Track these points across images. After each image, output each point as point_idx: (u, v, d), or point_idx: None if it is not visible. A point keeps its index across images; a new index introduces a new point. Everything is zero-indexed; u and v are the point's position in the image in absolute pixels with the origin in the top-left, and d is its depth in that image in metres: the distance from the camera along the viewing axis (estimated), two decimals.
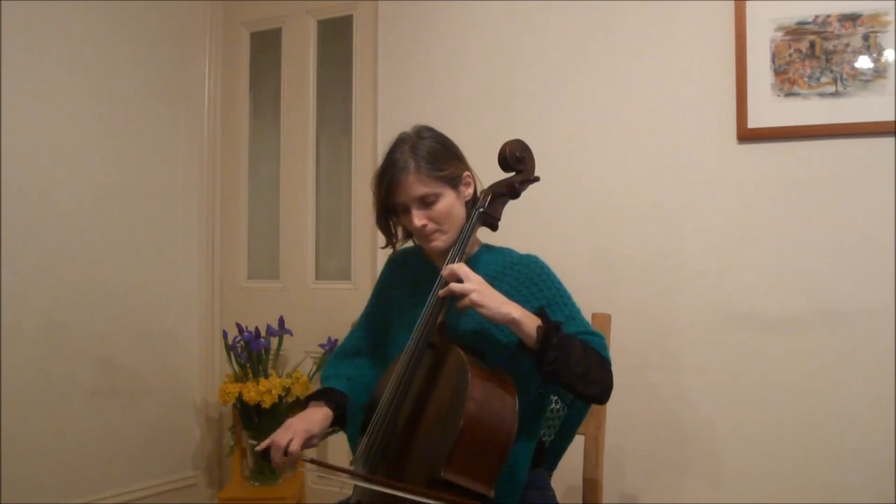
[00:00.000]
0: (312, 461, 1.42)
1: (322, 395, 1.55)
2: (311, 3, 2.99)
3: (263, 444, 1.42)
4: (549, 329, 1.34)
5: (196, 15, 3.10)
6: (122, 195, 2.81)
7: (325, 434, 1.51)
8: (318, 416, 1.49)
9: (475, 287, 1.35)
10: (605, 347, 1.44)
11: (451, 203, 1.49)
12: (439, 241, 1.48)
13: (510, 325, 1.35)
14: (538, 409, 1.50)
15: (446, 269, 1.40)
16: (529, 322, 1.34)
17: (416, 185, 1.45)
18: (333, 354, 1.72)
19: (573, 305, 1.48)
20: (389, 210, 1.53)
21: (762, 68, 2.13)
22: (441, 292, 1.38)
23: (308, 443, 1.44)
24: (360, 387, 1.58)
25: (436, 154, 1.48)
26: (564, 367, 1.34)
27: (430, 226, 1.47)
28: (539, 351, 1.33)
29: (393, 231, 1.60)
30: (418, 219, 1.46)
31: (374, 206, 1.55)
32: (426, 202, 1.46)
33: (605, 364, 1.41)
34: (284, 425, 1.45)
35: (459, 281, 1.36)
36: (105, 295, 2.74)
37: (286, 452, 1.39)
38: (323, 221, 3.04)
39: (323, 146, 3.03)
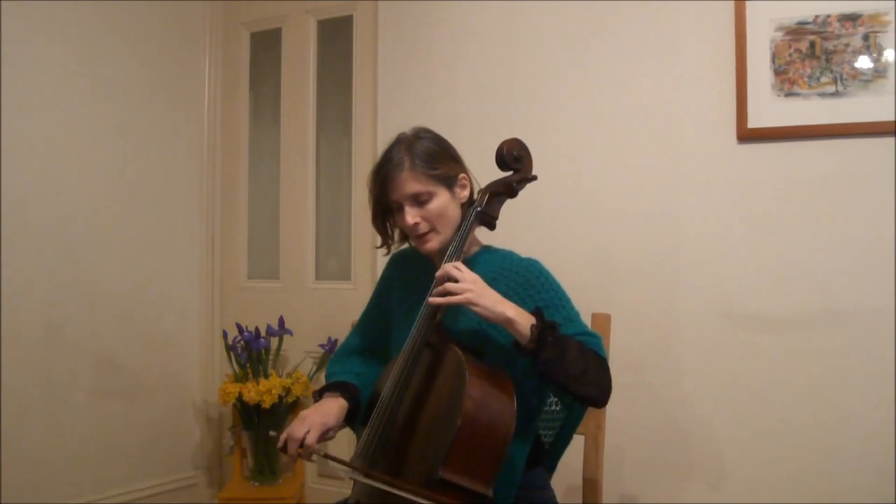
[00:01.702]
0: (326, 456, 1.41)
1: (336, 387, 1.54)
2: (311, 3, 2.99)
3: (282, 439, 1.42)
4: (545, 328, 1.32)
5: (196, 15, 3.10)
6: (122, 195, 2.81)
7: (340, 426, 1.50)
8: (333, 407, 1.48)
9: (469, 286, 1.34)
10: (601, 348, 1.42)
11: (445, 203, 1.48)
12: (433, 242, 1.48)
13: (505, 324, 1.34)
14: (535, 409, 1.50)
15: (440, 270, 1.39)
16: (524, 321, 1.33)
17: (410, 183, 1.45)
18: (336, 353, 1.72)
19: (571, 308, 1.47)
20: (385, 209, 1.53)
21: (762, 68, 2.13)
22: (435, 292, 1.37)
23: (325, 435, 1.44)
24: (366, 383, 1.58)
25: (431, 153, 1.48)
26: (559, 368, 1.32)
27: (423, 225, 1.47)
28: (534, 350, 1.32)
29: (389, 232, 1.60)
30: (411, 217, 1.46)
31: (370, 204, 1.56)
32: (419, 200, 1.46)
33: (603, 366, 1.39)
34: (299, 417, 1.44)
35: (455, 280, 1.36)
36: (105, 295, 2.74)
37: (302, 444, 1.39)
38: (323, 221, 3.04)
39: (323, 146, 3.03)
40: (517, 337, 1.34)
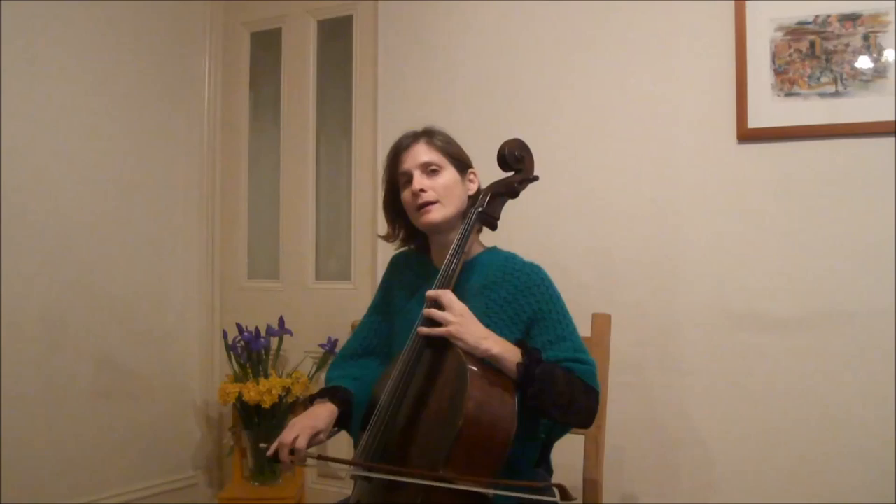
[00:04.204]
0: (320, 457, 1.42)
1: (326, 393, 1.55)
2: (311, 3, 2.99)
3: (272, 448, 1.42)
4: (531, 363, 1.34)
5: (196, 15, 3.10)
6: (122, 195, 2.81)
7: (331, 432, 1.51)
8: (322, 412, 1.49)
9: (454, 319, 1.35)
10: (592, 375, 1.42)
11: (454, 180, 1.52)
12: (435, 213, 1.49)
13: (490, 360, 1.35)
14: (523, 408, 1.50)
15: (430, 292, 1.39)
16: (510, 357, 1.35)
17: (424, 152, 1.51)
18: (337, 357, 1.72)
19: (567, 324, 1.47)
20: (396, 189, 1.55)
21: (762, 68, 2.13)
22: (424, 315, 1.38)
23: (314, 439, 1.44)
24: (366, 385, 1.58)
25: (447, 137, 1.57)
26: (547, 400, 1.35)
27: (430, 193, 1.49)
28: (521, 385, 1.34)
29: (396, 229, 1.61)
30: (418, 183, 1.48)
31: (383, 184, 1.59)
32: (430, 169, 1.50)
33: (589, 392, 1.40)
34: (289, 424, 1.45)
35: (441, 308, 1.37)
36: (105, 295, 2.74)
37: (292, 451, 1.39)
38: (323, 221, 3.04)
39: (323, 146, 3.03)
40: (504, 371, 1.36)
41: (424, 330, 1.38)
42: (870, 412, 2.00)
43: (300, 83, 3.02)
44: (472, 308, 1.42)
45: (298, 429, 1.42)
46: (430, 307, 1.39)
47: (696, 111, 2.23)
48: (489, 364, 1.37)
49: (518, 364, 1.35)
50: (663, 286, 2.27)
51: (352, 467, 1.44)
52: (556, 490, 1.23)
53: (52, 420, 2.55)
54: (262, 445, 1.51)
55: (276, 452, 1.40)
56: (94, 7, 2.71)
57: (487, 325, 1.42)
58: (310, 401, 1.56)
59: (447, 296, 1.38)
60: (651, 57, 2.30)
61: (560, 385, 1.36)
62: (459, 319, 1.36)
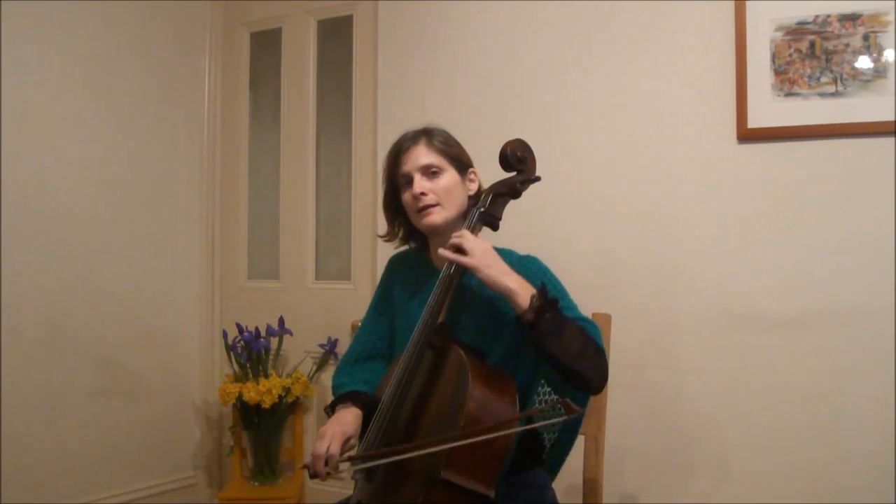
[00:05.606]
0: (353, 458, 1.39)
1: (348, 398, 1.54)
2: (311, 3, 2.99)
3: (309, 465, 1.40)
4: (546, 302, 1.32)
5: (196, 15, 3.10)
6: (122, 195, 2.81)
7: (359, 435, 1.49)
8: (349, 417, 1.48)
9: (479, 253, 1.36)
10: (600, 338, 1.41)
11: (454, 182, 1.51)
12: (435, 216, 1.48)
13: (506, 293, 1.34)
14: (525, 405, 1.49)
15: (453, 238, 1.40)
16: (525, 293, 1.33)
17: (424, 154, 1.50)
18: (342, 361, 1.71)
19: (569, 300, 1.47)
20: (396, 189, 1.55)
21: (762, 68, 2.13)
22: (447, 245, 1.40)
23: (346, 444, 1.43)
24: (374, 390, 1.57)
25: (447, 137, 1.55)
26: (556, 342, 1.31)
27: (431, 196, 1.48)
28: (532, 321, 1.31)
29: (396, 228, 1.61)
30: (419, 186, 1.48)
31: (383, 184, 1.59)
32: (430, 171, 1.49)
33: (599, 353, 1.38)
34: (319, 434, 1.44)
35: (464, 252, 1.38)
36: (105, 295, 2.74)
37: (327, 461, 1.38)
38: (323, 221, 3.04)
39: (323, 146, 3.03)
40: (517, 309, 1.34)
41: (449, 254, 1.38)
42: (870, 412, 2.00)
43: (300, 83, 3.02)
44: (474, 307, 1.42)
45: (329, 436, 1.41)
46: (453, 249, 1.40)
47: (696, 111, 2.23)
48: (490, 364, 1.38)
49: (532, 296, 1.32)
50: (663, 286, 2.27)
51: (352, 467, 1.44)
52: (561, 408, 1.21)
53: (52, 420, 2.55)
54: (301, 467, 1.48)
55: (314, 468, 1.39)
56: (94, 7, 2.71)
57: (491, 324, 1.42)
58: (331, 408, 1.55)
59: (468, 239, 1.39)
60: (651, 57, 2.30)
61: (572, 332, 1.34)
62: (484, 255, 1.37)
